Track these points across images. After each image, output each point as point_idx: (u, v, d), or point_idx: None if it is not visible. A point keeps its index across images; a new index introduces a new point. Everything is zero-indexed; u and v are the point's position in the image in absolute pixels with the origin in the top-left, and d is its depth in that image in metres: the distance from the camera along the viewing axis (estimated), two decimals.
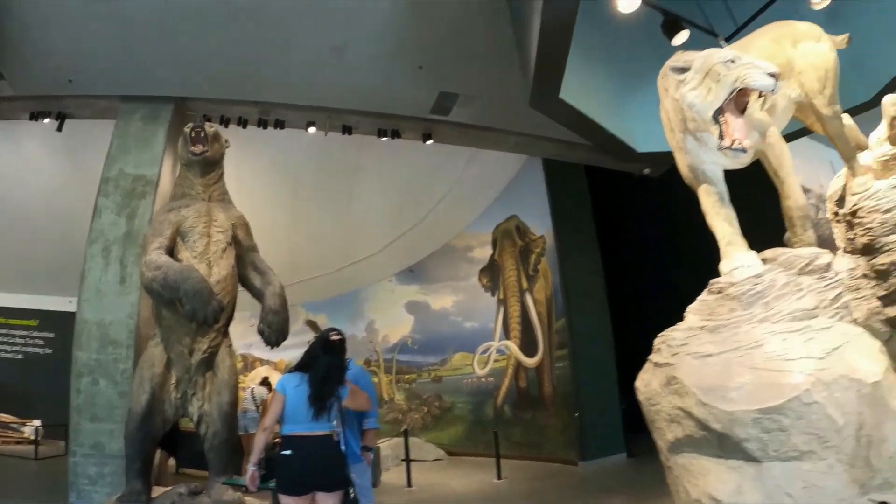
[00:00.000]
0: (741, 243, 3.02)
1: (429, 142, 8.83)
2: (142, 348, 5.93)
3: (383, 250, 13.67)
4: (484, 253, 12.07)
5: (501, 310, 11.48)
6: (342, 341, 4.50)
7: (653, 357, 2.84)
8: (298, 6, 6.41)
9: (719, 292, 2.85)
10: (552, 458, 9.66)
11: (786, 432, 2.23)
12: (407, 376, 13.91)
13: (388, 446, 10.41)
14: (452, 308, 13.01)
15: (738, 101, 2.88)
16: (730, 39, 5.33)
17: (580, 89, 6.64)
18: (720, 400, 2.35)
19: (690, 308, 2.98)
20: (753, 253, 2.99)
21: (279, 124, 8.21)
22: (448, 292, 13.10)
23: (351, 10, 6.46)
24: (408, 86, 7.74)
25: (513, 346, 11.05)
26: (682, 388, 2.48)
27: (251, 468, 3.74)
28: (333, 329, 4.66)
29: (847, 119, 4.03)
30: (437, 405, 12.86)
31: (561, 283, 10.05)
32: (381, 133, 8.61)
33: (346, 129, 8.47)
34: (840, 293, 2.83)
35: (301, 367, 3.99)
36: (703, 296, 2.96)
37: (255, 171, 10.35)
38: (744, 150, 2.81)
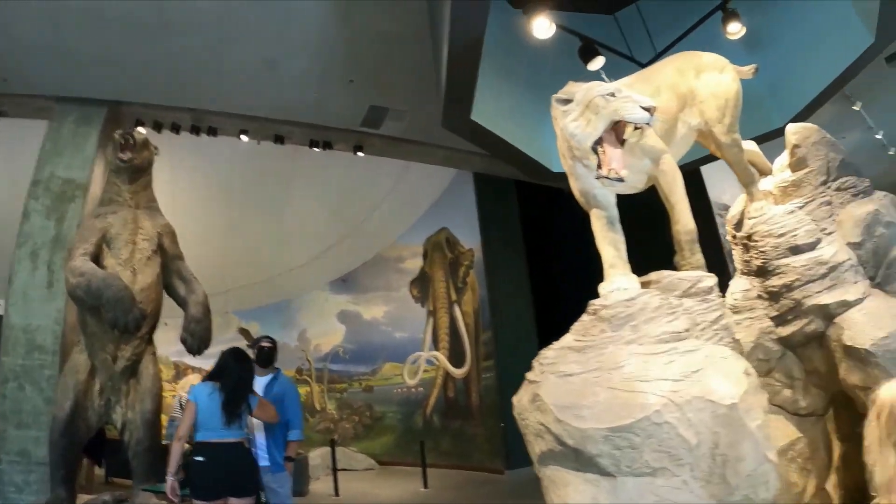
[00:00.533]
0: (622, 267, 3.13)
1: (360, 154, 8.89)
2: (68, 354, 5.81)
3: (316, 259, 13.60)
4: (415, 264, 12.14)
5: (431, 321, 11.58)
6: (268, 348, 4.67)
7: (528, 374, 2.93)
8: (233, 17, 6.39)
9: (594, 313, 2.93)
10: (479, 468, 9.78)
11: (637, 450, 2.31)
12: (338, 385, 13.82)
13: (319, 455, 10.34)
14: (383, 318, 13.02)
15: (617, 131, 2.98)
16: (648, 66, 5.57)
17: (495, 110, 6.76)
18: (573, 417, 2.43)
19: (572, 327, 3.07)
20: (633, 277, 3.09)
21: (212, 132, 8.14)
22: (379, 302, 13.10)
23: (284, 22, 6.49)
24: (339, 99, 7.80)
25: (441, 357, 11.13)
26: (543, 405, 2.56)
27: (169, 478, 3.76)
28: (266, 337, 4.80)
29: (752, 145, 4.24)
30: (367, 415, 12.84)
31: (488, 295, 10.24)
32: (313, 144, 8.65)
33: (279, 139, 8.47)
34: (721, 315, 2.95)
35: (213, 375, 4.07)
36: (583, 316, 3.04)
37: (189, 177, 10.20)
38: (620, 180, 2.90)
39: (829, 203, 3.64)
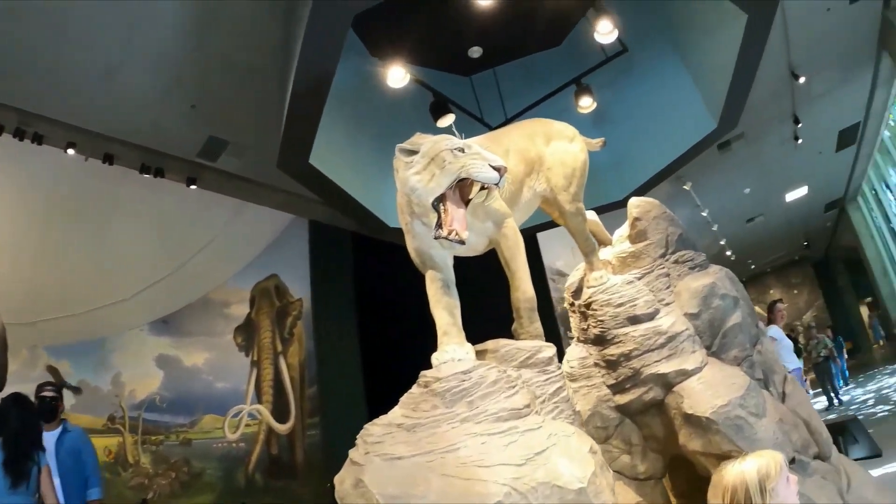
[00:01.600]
0: (457, 335, 2.88)
1: (192, 186, 8.13)
2: None
3: (137, 296, 12.04)
4: (241, 310, 11.33)
5: (255, 371, 10.83)
6: (50, 398, 3.91)
7: (351, 452, 2.50)
8: (77, 11, 5.55)
9: (425, 386, 2.63)
10: None
11: None
12: (153, 437, 12.13)
13: None
14: (205, 366, 11.82)
15: (462, 191, 2.79)
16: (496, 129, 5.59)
17: (336, 157, 6.45)
18: None
19: (401, 399, 2.73)
20: (468, 346, 2.85)
21: (38, 139, 6.98)
22: (201, 348, 11.89)
23: (130, 29, 5.76)
24: (178, 124, 7.05)
25: (265, 411, 10.41)
26: (368, 493, 2.16)
27: None
28: (48, 384, 4.03)
29: (592, 215, 4.19)
30: (185, 470, 11.43)
31: (315, 348, 9.76)
32: (144, 169, 7.71)
33: (108, 158, 7.46)
34: (561, 387, 2.80)
35: None
36: (413, 388, 2.73)
37: (3, 185, 8.93)
38: (461, 242, 2.68)
39: (667, 275, 3.69)
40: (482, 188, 2.80)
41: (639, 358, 3.27)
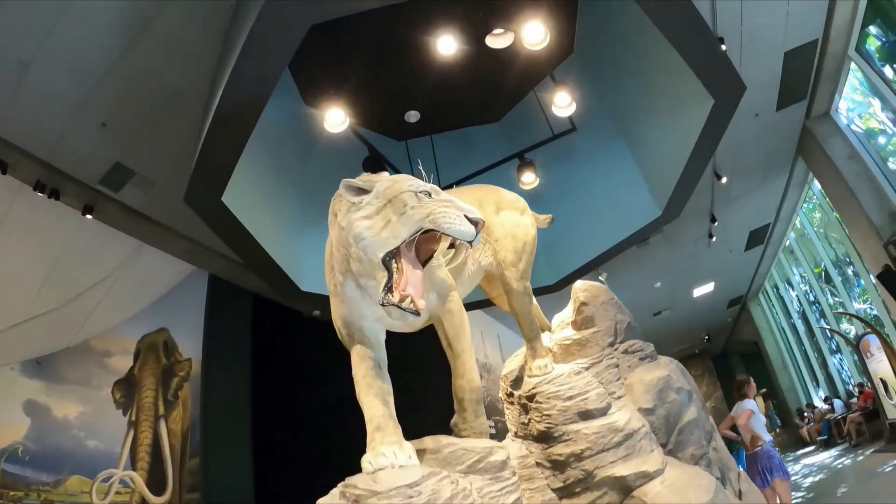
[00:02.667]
0: (393, 430, 2.35)
1: (89, 216, 7.26)
2: None
3: (12, 329, 10.73)
4: (124, 363, 10.01)
5: (132, 433, 9.53)
6: None
7: None
8: None
9: (357, 502, 2.05)
10: None
11: None
12: (12, 493, 10.45)
13: None
14: (76, 419, 10.35)
15: (424, 247, 2.33)
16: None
17: (252, 201, 5.82)
18: None
19: None
20: (408, 446, 2.32)
21: None
22: (75, 399, 10.39)
23: (52, 22, 4.99)
24: (84, 141, 6.24)
25: (138, 480, 9.07)
26: None
27: None
28: None
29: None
30: None
31: (201, 417, 8.71)
32: (40, 186, 6.76)
33: (2, 166, 6.44)
34: (518, 499, 2.48)
35: None
36: (335, 500, 2.16)
37: None
38: (416, 313, 2.21)
39: (616, 366, 3.31)
40: (450, 246, 2.34)
41: (592, 458, 2.85)
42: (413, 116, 7.01)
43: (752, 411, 6.16)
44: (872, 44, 8.31)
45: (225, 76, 4.30)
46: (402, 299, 2.16)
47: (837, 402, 14.75)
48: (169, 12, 5.06)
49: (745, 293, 20.08)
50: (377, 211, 2.29)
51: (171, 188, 6.63)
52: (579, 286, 3.67)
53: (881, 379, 9.89)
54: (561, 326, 3.73)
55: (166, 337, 9.63)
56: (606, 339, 3.43)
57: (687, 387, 3.30)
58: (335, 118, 5.55)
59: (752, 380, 6.60)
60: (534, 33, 5.27)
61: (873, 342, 10.14)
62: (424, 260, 2.37)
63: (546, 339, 3.62)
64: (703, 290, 16.77)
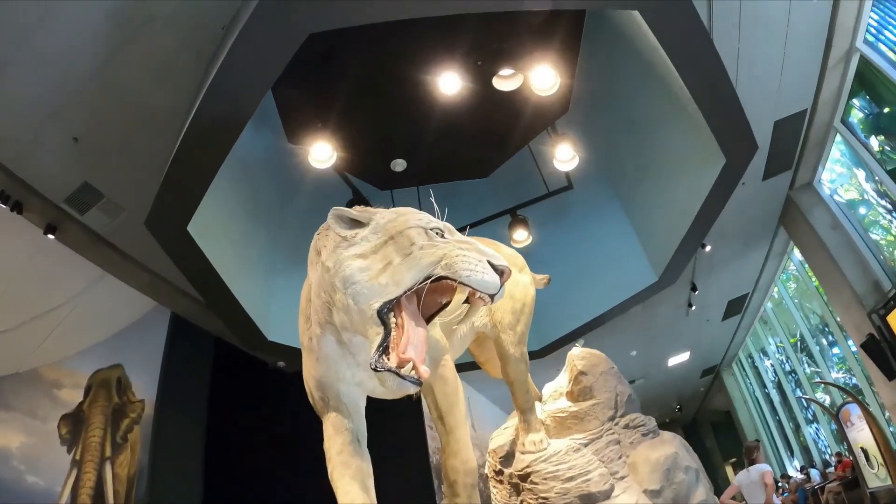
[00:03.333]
0: None
1: (50, 236, 6.77)
2: None
3: None
4: (73, 396, 9.38)
5: (74, 473, 8.76)
6: None
7: None
8: None
9: None
10: None
11: None
12: None
13: None
14: (18, 451, 9.57)
15: (429, 298, 1.88)
16: None
17: (221, 236, 5.41)
18: None
19: None
20: None
21: None
22: (18, 430, 9.64)
23: (34, 24, 4.63)
24: (54, 155, 5.78)
25: None
26: None
27: None
28: None
29: None
30: None
31: (150, 463, 8.00)
32: (3, 197, 6.17)
33: None
34: None
35: None
36: None
37: None
38: (418, 383, 1.74)
39: (617, 442, 2.96)
40: (466, 300, 1.86)
41: None
42: (399, 165, 6.71)
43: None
44: (855, 116, 8.37)
45: (203, 89, 3.96)
46: (400, 364, 1.71)
47: (814, 472, 14.49)
48: (157, 27, 4.71)
49: (720, 363, 19.94)
50: (375, 249, 1.88)
51: (138, 216, 6.09)
52: (577, 353, 3.34)
53: (862, 448, 9.74)
54: (554, 397, 3.38)
55: (120, 374, 9.01)
56: (606, 412, 3.09)
57: (694, 465, 2.98)
58: (321, 153, 5.26)
59: (760, 445, 6.34)
60: (543, 78, 5.04)
61: (854, 411, 10.01)
62: (429, 316, 1.93)
63: (538, 410, 3.26)
64: (678, 359, 16.57)
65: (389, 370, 1.71)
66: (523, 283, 3.18)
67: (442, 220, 2.03)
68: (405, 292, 1.81)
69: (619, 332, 12.32)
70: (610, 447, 2.93)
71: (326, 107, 5.57)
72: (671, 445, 2.97)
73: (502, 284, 1.83)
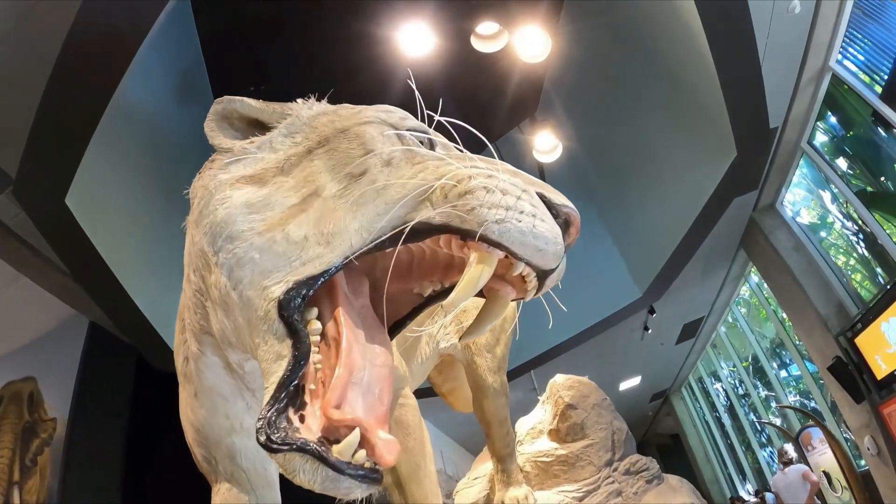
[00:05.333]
0: None
1: None
2: None
3: None
4: None
5: None
6: None
7: None
8: None
9: None
10: None
11: None
12: None
13: None
14: None
15: (400, 285, 1.04)
16: None
17: (124, 221, 4.48)
18: None
19: None
20: None
21: None
22: None
23: None
24: None
25: None
26: None
27: None
28: None
29: None
30: None
31: (60, 491, 7.00)
32: None
33: None
34: None
35: None
36: None
37: None
38: (375, 475, 0.80)
39: (619, 493, 2.31)
40: (479, 293, 0.95)
41: None
42: None
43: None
44: (819, 139, 8.16)
45: None
46: (330, 431, 0.82)
47: (769, 496, 14.27)
48: None
49: (669, 387, 19.74)
50: (284, 167, 1.03)
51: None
52: (562, 382, 2.70)
53: (824, 472, 9.52)
54: (532, 435, 2.69)
55: (33, 388, 7.92)
56: (602, 455, 2.45)
57: None
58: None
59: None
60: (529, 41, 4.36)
61: (816, 435, 9.81)
62: (397, 321, 1.08)
63: None
64: (629, 383, 16.27)
65: (301, 447, 0.79)
66: None
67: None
68: (344, 262, 0.92)
69: (572, 356, 11.71)
70: (610, 500, 2.30)
71: (262, 73, 4.77)
72: (683, 495, 2.35)
73: (568, 247, 0.99)
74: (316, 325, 0.91)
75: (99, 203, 4.16)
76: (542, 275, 0.94)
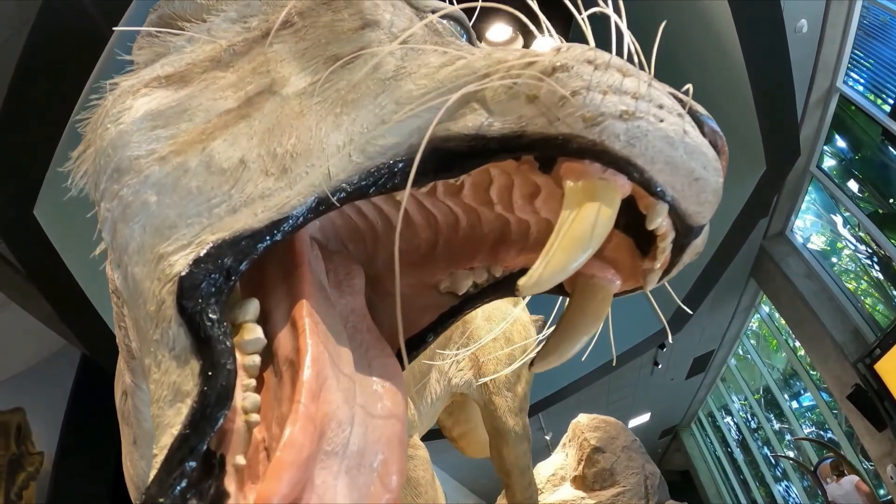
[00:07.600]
0: None
1: None
2: None
3: None
4: None
5: None
6: None
7: None
8: None
9: None
10: None
11: None
12: None
13: None
14: None
15: (414, 271, 0.61)
16: None
17: (86, 229, 4.10)
18: None
19: None
20: None
21: None
22: None
23: None
24: None
25: None
26: None
27: None
28: None
29: None
30: None
31: None
32: None
33: None
34: None
35: None
36: None
37: None
38: None
39: None
40: (559, 290, 0.59)
41: None
42: None
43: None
44: (827, 162, 7.90)
45: None
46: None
47: None
48: None
49: (679, 423, 19.20)
50: (223, 55, 0.60)
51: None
52: (587, 423, 2.37)
53: None
54: (553, 483, 2.35)
55: (21, 420, 7.55)
56: (636, 503, 2.11)
57: None
58: None
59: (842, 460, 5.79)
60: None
61: None
62: (413, 336, 0.65)
63: None
64: (638, 420, 15.66)
65: None
66: (522, 323, 2.03)
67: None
68: (316, 208, 0.50)
69: (579, 397, 11.09)
70: None
71: None
72: None
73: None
74: (255, 334, 0.49)
75: (78, 224, 3.81)
76: (686, 234, 0.52)
